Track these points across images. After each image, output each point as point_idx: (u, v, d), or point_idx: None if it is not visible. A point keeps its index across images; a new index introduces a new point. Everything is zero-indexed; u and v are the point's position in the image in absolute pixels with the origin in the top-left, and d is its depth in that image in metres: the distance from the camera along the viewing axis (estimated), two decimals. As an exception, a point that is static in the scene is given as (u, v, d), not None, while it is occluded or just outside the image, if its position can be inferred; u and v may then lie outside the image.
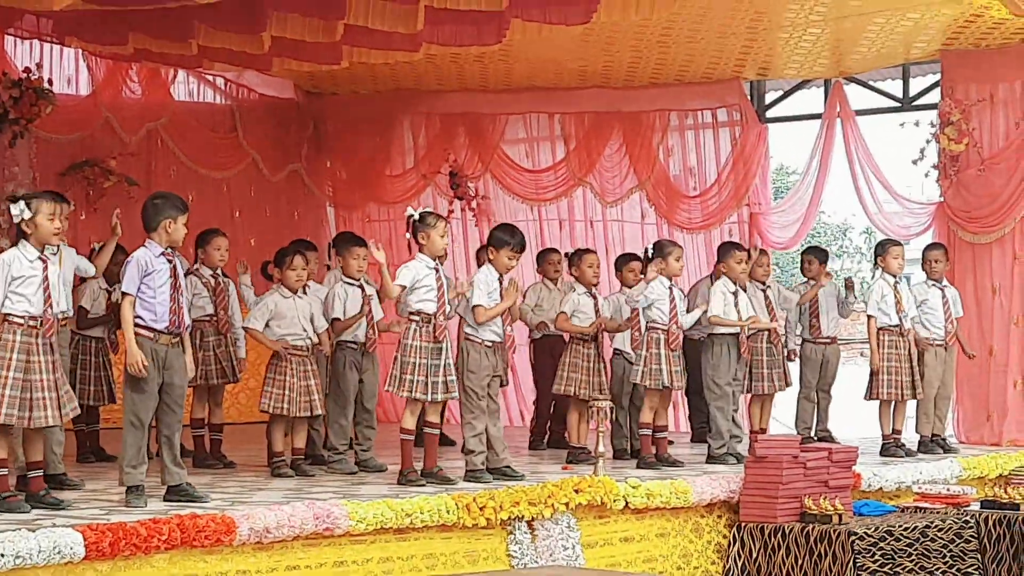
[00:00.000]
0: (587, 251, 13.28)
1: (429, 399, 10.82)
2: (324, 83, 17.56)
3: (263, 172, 17.65)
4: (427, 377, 10.77)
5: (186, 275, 11.29)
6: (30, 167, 15.10)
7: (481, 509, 9.69)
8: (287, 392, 11.39)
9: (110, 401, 12.52)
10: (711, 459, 12.56)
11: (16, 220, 9.23)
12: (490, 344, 11.17)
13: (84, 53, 15.70)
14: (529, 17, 12.02)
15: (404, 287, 10.81)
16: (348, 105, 17.89)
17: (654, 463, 12.18)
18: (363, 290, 11.85)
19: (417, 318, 10.82)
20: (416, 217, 10.97)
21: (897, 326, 13.46)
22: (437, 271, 10.91)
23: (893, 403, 13.58)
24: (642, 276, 12.80)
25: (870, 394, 13.60)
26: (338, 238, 12.40)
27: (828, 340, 14.13)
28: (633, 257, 13.43)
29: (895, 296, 13.46)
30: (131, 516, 8.59)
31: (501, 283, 11.20)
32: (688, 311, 12.69)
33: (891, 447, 13.46)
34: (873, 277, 13.84)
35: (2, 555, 7.56)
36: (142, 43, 13.26)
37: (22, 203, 9.23)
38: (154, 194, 10.07)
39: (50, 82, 15.16)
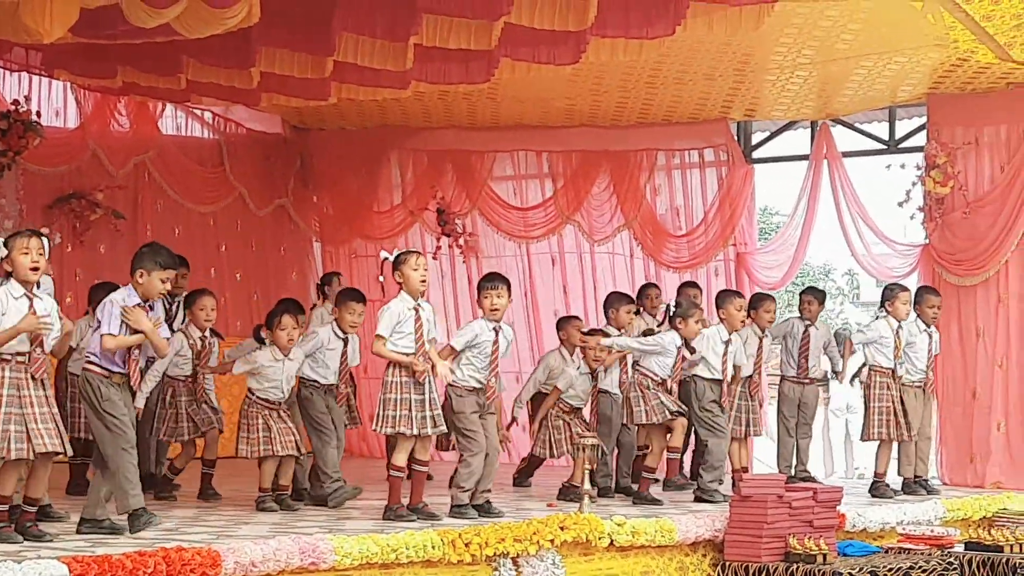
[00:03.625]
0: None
1: (417, 432, 10.88)
2: (311, 118, 17.65)
3: (250, 206, 17.69)
4: (412, 411, 10.84)
5: (173, 332, 11.76)
6: (17, 199, 15.15)
7: (467, 545, 9.71)
8: (266, 434, 11.47)
9: None
10: (701, 491, 12.60)
11: None
12: (471, 388, 11.24)
13: (72, 86, 15.76)
14: (518, 56, 12.10)
15: (384, 337, 10.88)
16: (335, 140, 17.97)
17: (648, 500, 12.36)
18: (346, 343, 11.96)
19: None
20: (391, 259, 11.05)
21: (891, 369, 13.56)
22: (417, 311, 10.96)
23: (879, 443, 13.69)
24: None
25: (865, 434, 13.68)
26: (341, 293, 12.47)
27: (808, 381, 14.29)
28: (626, 299, 13.55)
29: (895, 340, 13.56)
30: (116, 548, 8.61)
31: (497, 333, 11.28)
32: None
33: (881, 486, 13.53)
34: (877, 318, 13.92)
35: (-12, 586, 7.61)
36: (131, 77, 13.33)
37: None
38: (149, 242, 10.12)
39: (38, 114, 15.23)
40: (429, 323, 11.02)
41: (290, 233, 18.23)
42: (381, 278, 11.22)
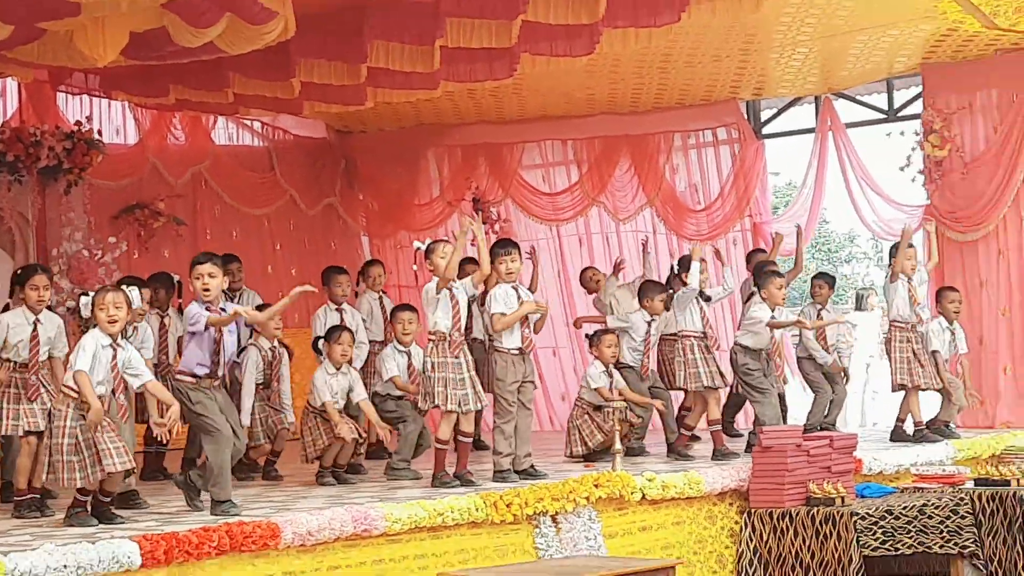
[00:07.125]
0: (605, 332, 13.03)
1: (462, 410, 10.97)
2: (353, 122, 17.72)
3: (300, 207, 17.75)
4: (454, 390, 10.92)
5: (241, 351, 11.60)
6: (84, 212, 15.28)
7: (508, 506, 9.81)
8: (327, 432, 11.53)
9: None
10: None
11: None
12: (516, 352, 11.29)
13: (130, 105, 15.87)
14: (537, 51, 12.14)
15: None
16: (376, 141, 18.05)
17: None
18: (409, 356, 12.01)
19: (434, 337, 11.00)
20: (423, 249, 11.13)
21: (909, 322, 13.44)
22: (451, 291, 11.03)
23: (904, 392, 13.57)
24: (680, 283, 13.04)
25: (892, 383, 13.60)
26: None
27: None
28: (660, 287, 13.51)
29: (909, 294, 13.47)
30: (182, 526, 8.73)
31: (517, 290, 11.36)
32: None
33: (919, 432, 13.41)
34: (887, 276, 13.80)
35: (66, 566, 7.72)
36: (182, 94, 13.45)
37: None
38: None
39: (100, 133, 15.37)
40: (462, 303, 11.08)
41: (339, 229, 18.29)
42: (415, 267, 11.29)
